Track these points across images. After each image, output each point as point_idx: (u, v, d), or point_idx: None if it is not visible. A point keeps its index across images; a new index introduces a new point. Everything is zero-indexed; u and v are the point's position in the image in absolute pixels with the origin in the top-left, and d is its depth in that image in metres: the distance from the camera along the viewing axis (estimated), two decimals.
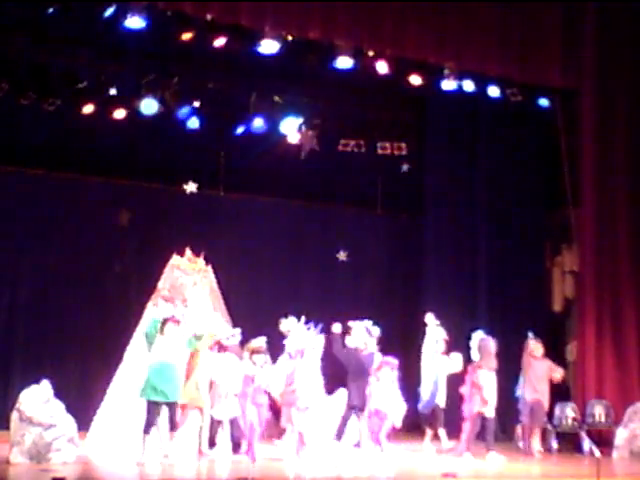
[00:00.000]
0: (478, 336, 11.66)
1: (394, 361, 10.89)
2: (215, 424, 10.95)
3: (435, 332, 12.55)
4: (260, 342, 10.69)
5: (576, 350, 13.90)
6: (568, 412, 12.85)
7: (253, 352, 10.43)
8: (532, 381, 12.24)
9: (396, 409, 10.70)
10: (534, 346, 12.38)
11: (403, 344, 14.01)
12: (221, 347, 11.15)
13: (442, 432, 12.42)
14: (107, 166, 14.10)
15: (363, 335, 11.73)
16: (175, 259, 12.61)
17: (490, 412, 11.37)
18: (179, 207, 14.65)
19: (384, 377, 10.76)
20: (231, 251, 14.75)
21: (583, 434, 12.34)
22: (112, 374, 11.48)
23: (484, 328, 14.72)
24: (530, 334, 12.55)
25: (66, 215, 14.10)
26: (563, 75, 13.52)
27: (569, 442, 12.92)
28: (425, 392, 12.49)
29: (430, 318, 12.69)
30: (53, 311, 13.68)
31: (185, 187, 14.38)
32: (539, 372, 12.26)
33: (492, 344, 11.54)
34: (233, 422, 10.90)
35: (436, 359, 12.47)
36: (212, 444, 10.95)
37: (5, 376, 13.34)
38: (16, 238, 13.78)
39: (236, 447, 10.92)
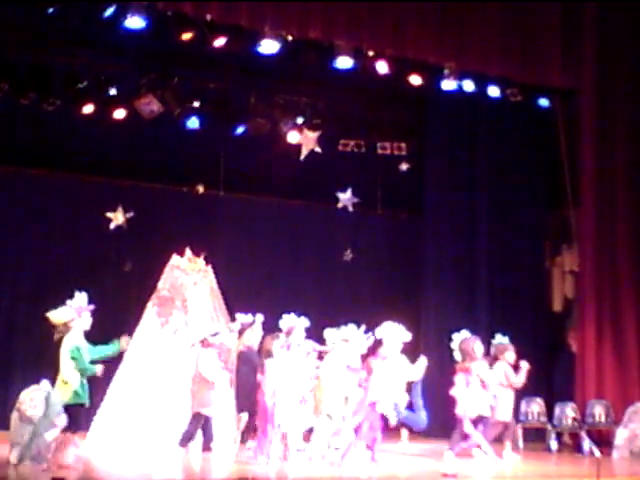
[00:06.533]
0: (460, 337, 11.06)
1: None
2: None
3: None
4: None
5: (576, 342, 13.84)
6: (568, 412, 12.85)
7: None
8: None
9: None
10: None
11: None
12: None
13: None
14: (107, 166, 14.13)
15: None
16: (175, 259, 12.62)
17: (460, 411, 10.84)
18: (179, 207, 14.67)
19: None
20: (231, 251, 14.76)
21: (583, 434, 12.34)
22: (112, 374, 11.49)
23: (484, 328, 14.76)
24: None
25: (66, 215, 14.10)
26: (563, 75, 13.51)
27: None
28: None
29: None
30: None
31: (198, 188, 14.48)
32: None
33: (475, 344, 10.92)
34: None
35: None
36: None
37: (5, 376, 13.34)
38: (16, 238, 13.78)
39: None
